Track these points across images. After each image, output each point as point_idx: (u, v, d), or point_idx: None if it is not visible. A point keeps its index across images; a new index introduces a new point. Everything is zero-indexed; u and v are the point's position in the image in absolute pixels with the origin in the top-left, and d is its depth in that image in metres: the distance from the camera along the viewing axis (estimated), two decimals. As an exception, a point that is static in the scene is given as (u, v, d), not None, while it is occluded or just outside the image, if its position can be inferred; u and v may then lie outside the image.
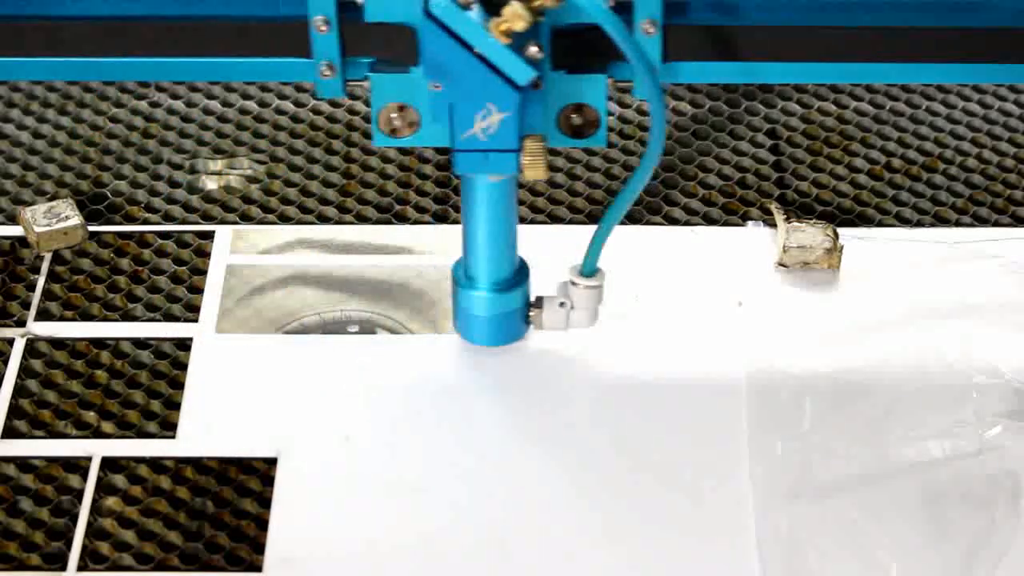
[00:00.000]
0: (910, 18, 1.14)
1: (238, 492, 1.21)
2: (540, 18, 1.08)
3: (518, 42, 1.07)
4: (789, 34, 1.14)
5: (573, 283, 1.24)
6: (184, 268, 1.38)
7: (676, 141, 1.51)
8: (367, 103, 1.53)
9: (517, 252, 1.25)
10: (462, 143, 1.12)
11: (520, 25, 1.06)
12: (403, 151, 1.49)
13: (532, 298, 1.27)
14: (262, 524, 1.19)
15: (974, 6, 1.14)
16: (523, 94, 1.10)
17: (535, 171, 1.14)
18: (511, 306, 1.26)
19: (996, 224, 1.43)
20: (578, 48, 1.13)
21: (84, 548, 1.18)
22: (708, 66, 1.15)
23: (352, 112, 1.54)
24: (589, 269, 1.23)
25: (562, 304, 1.26)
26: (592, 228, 1.19)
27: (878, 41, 1.14)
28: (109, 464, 1.23)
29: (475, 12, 1.07)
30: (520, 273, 1.25)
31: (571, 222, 1.43)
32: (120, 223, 1.43)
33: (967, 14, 1.14)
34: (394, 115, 1.16)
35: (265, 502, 1.20)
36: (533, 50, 1.08)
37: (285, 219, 1.43)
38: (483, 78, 1.09)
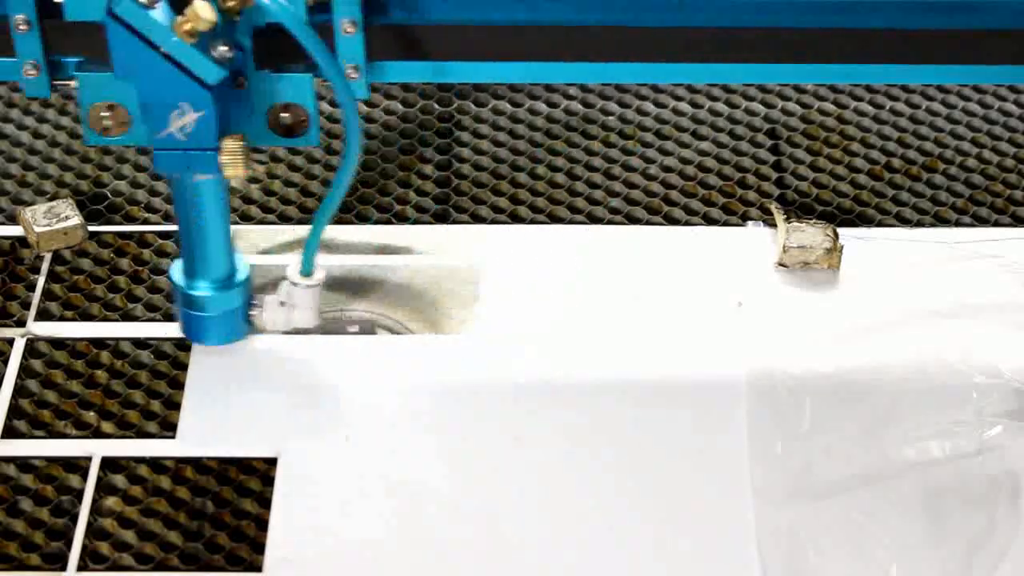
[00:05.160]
0: (889, 18, 1.14)
1: (238, 492, 1.21)
2: (236, 17, 1.09)
3: (205, 41, 1.08)
4: (482, 33, 1.15)
5: (293, 283, 1.25)
6: (184, 268, 1.38)
7: (676, 142, 1.51)
8: (368, 104, 1.53)
9: (235, 251, 1.24)
10: (161, 142, 1.13)
11: (203, 25, 1.06)
12: (404, 151, 1.49)
13: (255, 299, 1.27)
14: (262, 524, 1.19)
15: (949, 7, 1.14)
16: (215, 93, 1.10)
17: (234, 170, 1.14)
18: (230, 305, 1.25)
19: (996, 224, 1.43)
20: (282, 48, 1.12)
21: (84, 548, 1.17)
22: (407, 65, 1.15)
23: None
24: (307, 269, 1.24)
25: (282, 303, 1.26)
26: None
27: (851, 41, 1.15)
28: (109, 464, 1.23)
29: (159, 11, 1.07)
30: (238, 272, 1.25)
31: (571, 222, 1.43)
32: (120, 223, 1.43)
33: (938, 15, 1.14)
34: (104, 114, 1.15)
35: (265, 502, 1.20)
36: (223, 49, 1.09)
37: (285, 219, 1.43)
38: (173, 78, 1.09)
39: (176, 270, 1.25)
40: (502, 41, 1.15)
